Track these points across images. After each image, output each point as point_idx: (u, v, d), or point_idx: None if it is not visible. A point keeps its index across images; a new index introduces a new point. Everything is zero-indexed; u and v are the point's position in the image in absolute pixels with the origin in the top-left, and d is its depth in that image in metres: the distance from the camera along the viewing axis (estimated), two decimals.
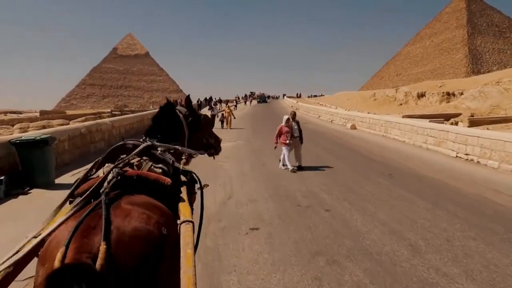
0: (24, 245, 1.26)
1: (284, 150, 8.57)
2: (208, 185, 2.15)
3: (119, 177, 1.46)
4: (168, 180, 1.62)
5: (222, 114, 22.14)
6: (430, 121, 16.14)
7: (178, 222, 1.46)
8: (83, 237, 1.10)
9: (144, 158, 1.78)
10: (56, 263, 1.01)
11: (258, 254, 3.94)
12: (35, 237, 1.30)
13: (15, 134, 14.41)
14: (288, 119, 8.89)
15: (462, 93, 27.39)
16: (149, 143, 1.90)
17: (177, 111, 2.39)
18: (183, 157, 2.25)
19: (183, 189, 1.80)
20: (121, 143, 1.91)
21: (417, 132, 12.81)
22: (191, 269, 1.21)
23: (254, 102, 55.32)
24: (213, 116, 22.26)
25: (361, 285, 3.28)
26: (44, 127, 22.87)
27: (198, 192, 1.96)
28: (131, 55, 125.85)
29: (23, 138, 6.34)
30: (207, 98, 39.76)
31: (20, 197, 5.85)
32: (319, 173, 8.14)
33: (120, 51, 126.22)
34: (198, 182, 1.93)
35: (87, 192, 1.43)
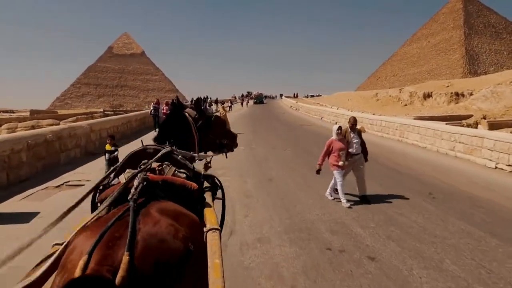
0: (49, 254, 1.22)
1: (337, 175, 5.79)
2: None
3: (145, 183, 1.42)
4: (194, 185, 1.59)
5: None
6: (446, 124, 14.65)
7: (205, 230, 1.41)
8: (107, 248, 1.05)
9: (166, 163, 1.74)
10: (77, 272, 0.97)
11: None
12: (59, 244, 1.26)
13: (4, 134, 12.64)
14: (339, 129, 5.91)
15: (471, 94, 26.02)
16: (169, 148, 1.90)
17: (186, 114, 2.33)
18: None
19: (207, 195, 1.76)
20: (141, 147, 1.92)
21: (441, 137, 11.25)
22: (219, 279, 1.16)
23: (251, 102, 53.62)
24: None
25: None
26: (33, 127, 21.47)
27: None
28: (127, 54, 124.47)
29: None
30: (202, 97, 37.80)
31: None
32: None
33: (116, 50, 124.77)
34: (220, 187, 1.95)
35: (113, 196, 1.40)
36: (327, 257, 3.90)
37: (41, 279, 1.12)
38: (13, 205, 5.40)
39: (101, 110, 52.28)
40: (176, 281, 1.10)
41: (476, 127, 15.97)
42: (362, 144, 6.17)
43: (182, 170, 1.73)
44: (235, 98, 58.16)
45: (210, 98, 37.74)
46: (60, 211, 1.36)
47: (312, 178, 7.27)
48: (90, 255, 1.00)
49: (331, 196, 6.12)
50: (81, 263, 0.97)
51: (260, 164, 9.53)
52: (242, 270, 3.63)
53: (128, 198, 1.30)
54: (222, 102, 41.05)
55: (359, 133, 6.21)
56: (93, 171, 7.83)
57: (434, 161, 9.96)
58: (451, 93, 26.57)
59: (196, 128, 2.30)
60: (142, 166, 1.59)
